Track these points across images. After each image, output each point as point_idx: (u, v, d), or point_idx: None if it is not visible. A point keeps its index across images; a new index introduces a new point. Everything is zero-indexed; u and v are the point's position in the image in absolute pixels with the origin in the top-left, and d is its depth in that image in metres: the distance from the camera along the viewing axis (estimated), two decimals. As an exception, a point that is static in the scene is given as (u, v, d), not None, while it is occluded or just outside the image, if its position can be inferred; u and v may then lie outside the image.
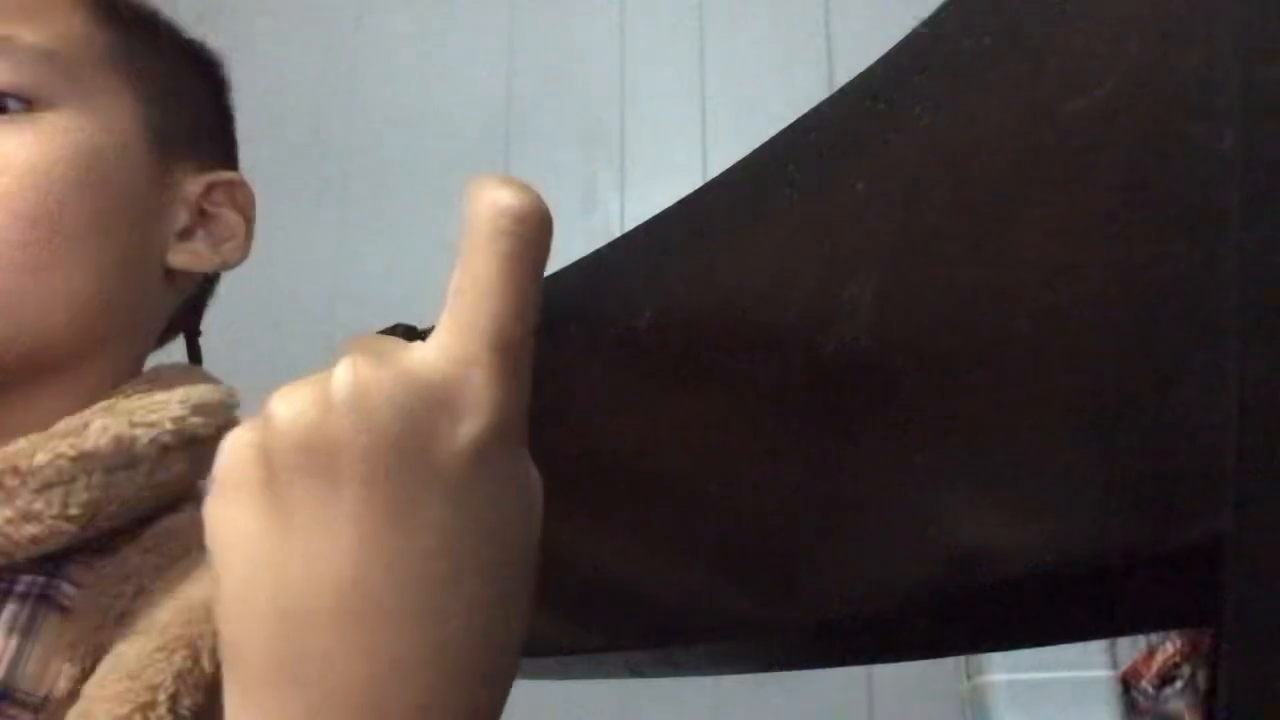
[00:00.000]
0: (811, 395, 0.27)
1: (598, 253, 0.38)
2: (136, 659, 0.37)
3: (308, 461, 0.24)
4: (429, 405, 0.25)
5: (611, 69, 1.63)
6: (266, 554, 0.25)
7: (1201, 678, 1.13)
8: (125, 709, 0.36)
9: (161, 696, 0.36)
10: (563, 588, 0.36)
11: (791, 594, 0.28)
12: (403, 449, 0.24)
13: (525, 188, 0.26)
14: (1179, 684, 1.17)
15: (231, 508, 0.26)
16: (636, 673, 0.36)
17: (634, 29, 1.64)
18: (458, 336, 0.26)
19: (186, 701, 0.37)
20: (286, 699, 0.24)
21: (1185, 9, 0.20)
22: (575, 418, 0.36)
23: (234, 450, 0.26)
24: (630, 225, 0.36)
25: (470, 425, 0.25)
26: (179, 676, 0.37)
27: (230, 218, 0.52)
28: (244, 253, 0.53)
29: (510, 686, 0.27)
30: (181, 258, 0.50)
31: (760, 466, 0.29)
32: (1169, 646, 1.17)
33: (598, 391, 0.35)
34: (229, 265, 0.53)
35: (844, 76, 0.29)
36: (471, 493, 0.25)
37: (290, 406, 0.25)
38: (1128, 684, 1.20)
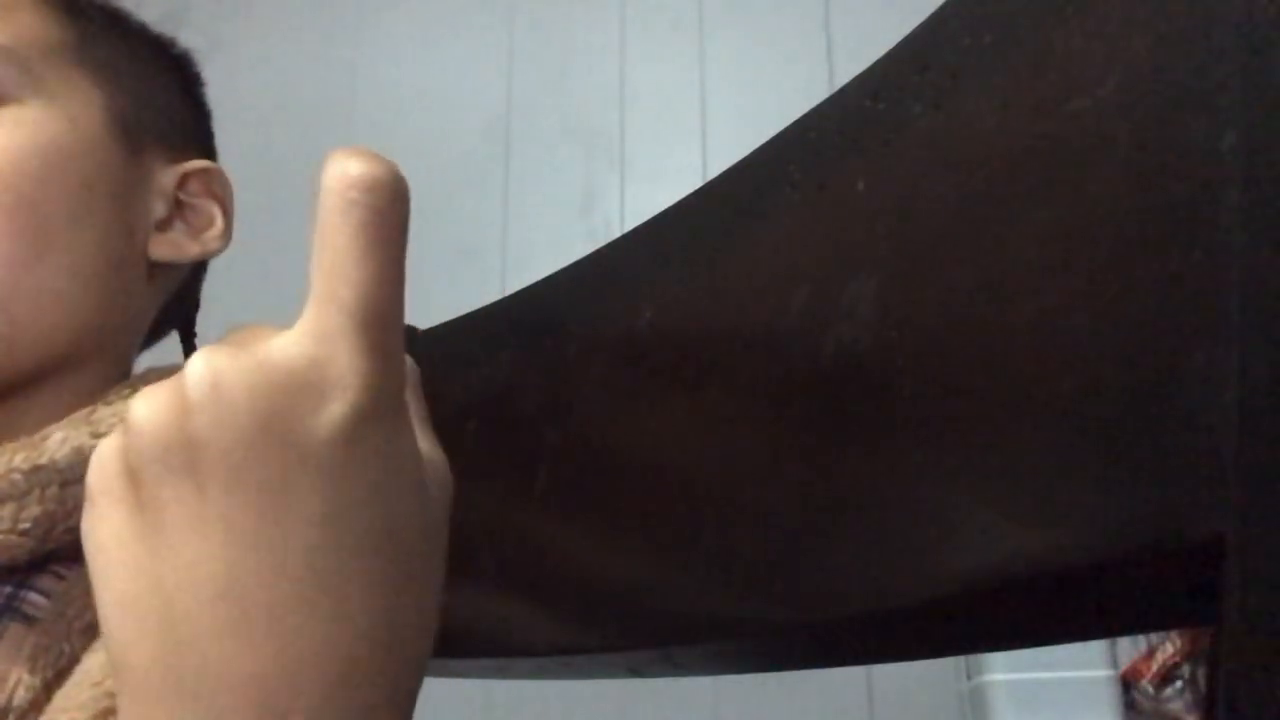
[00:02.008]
0: (811, 395, 0.27)
1: (598, 253, 0.38)
2: (100, 668, 0.37)
3: (170, 462, 0.23)
4: (290, 389, 0.23)
5: (611, 69, 1.63)
6: (141, 561, 0.24)
7: (1201, 678, 1.13)
8: (85, 715, 0.36)
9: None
10: (563, 587, 0.36)
11: (792, 594, 0.28)
12: (266, 438, 0.23)
13: (376, 157, 0.25)
14: (1179, 684, 1.17)
15: (102, 518, 0.25)
16: (636, 673, 0.36)
17: (634, 29, 1.64)
18: (317, 314, 0.24)
19: None
20: (177, 710, 0.23)
21: (1185, 9, 0.20)
22: (575, 418, 0.36)
23: (98, 459, 0.25)
24: (630, 225, 0.36)
25: (338, 405, 0.23)
26: None
27: (208, 206, 0.51)
28: (225, 241, 0.52)
29: (421, 676, 0.26)
30: (162, 249, 0.49)
31: (760, 466, 0.29)
32: (1169, 646, 1.17)
33: (598, 391, 0.35)
34: (210, 254, 0.52)
35: (844, 76, 0.29)
36: (347, 477, 0.24)
37: (147, 407, 0.24)
38: (1128, 684, 1.20)
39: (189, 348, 0.57)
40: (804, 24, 1.57)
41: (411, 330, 0.49)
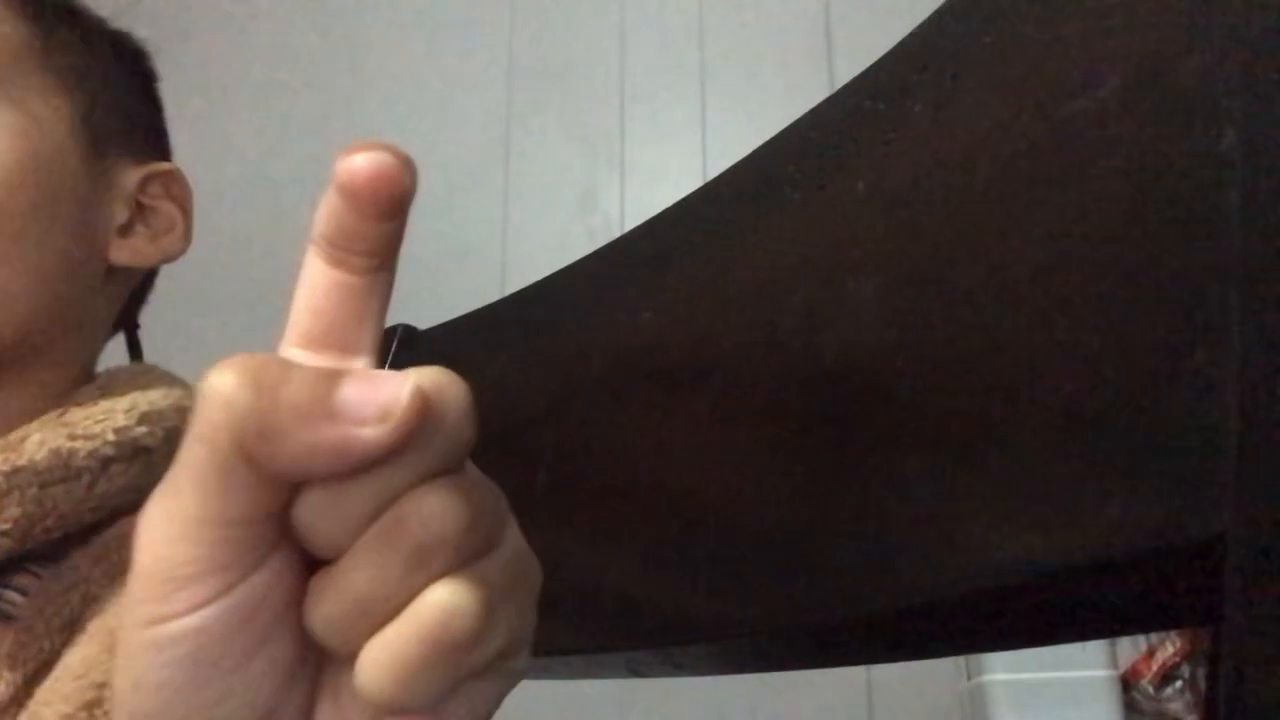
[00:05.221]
0: (811, 395, 0.27)
1: (598, 253, 0.38)
2: (83, 662, 0.38)
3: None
4: None
5: (611, 69, 1.63)
6: None
7: (1201, 678, 1.13)
8: (70, 707, 0.36)
9: (107, 693, 0.37)
10: (562, 587, 0.36)
11: (792, 594, 0.28)
12: None
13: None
14: (1179, 684, 1.17)
15: None
16: (636, 673, 0.36)
17: (634, 29, 1.64)
18: None
19: None
20: None
21: (1185, 9, 0.20)
22: (575, 417, 0.36)
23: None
24: (630, 225, 0.36)
25: None
26: None
27: (168, 209, 0.51)
28: (184, 245, 0.51)
29: None
30: (122, 254, 0.49)
31: (760, 465, 0.29)
32: (1169, 646, 1.18)
33: (597, 391, 0.35)
34: (170, 258, 0.51)
35: (844, 76, 0.29)
36: None
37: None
38: (1128, 684, 1.20)
39: (133, 343, 0.56)
40: (804, 24, 1.57)
41: (411, 330, 0.49)
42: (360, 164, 0.21)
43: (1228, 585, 0.17)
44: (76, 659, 0.38)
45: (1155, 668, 1.19)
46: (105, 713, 0.37)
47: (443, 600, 0.20)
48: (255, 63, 1.68)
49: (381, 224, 0.23)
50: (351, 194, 0.22)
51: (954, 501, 0.23)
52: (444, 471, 0.21)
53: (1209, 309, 0.18)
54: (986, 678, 1.19)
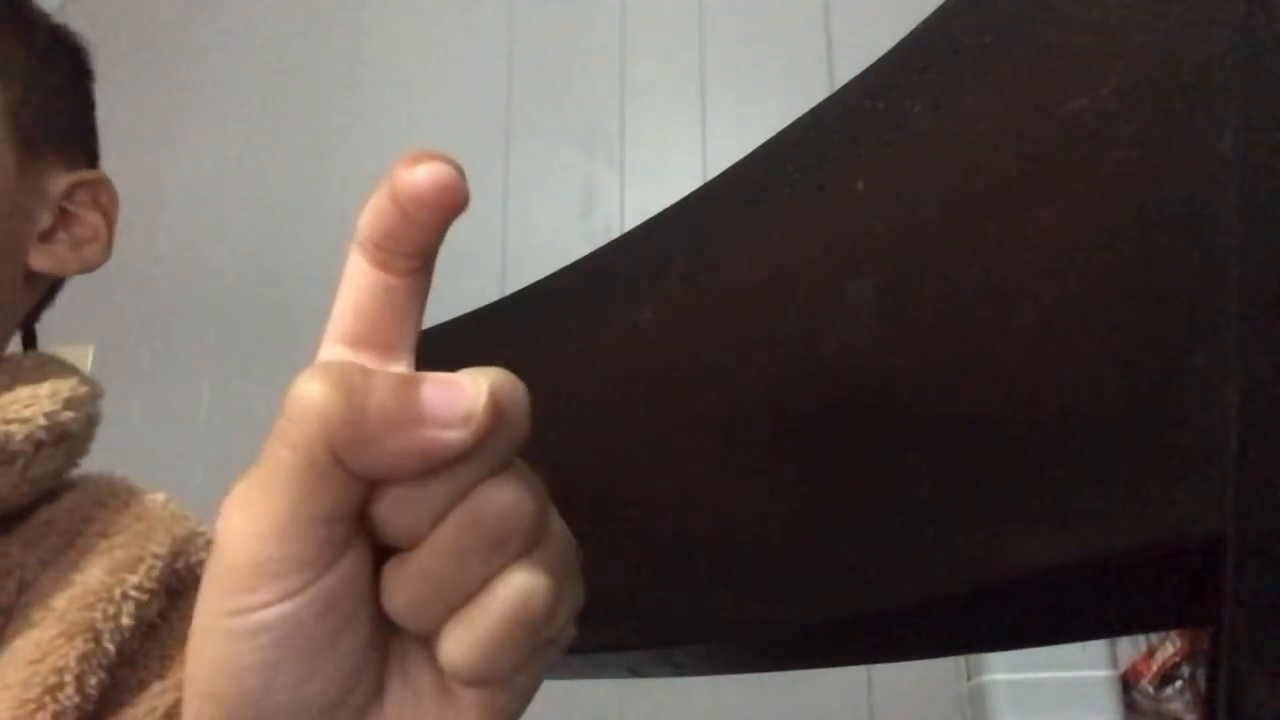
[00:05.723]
0: (811, 395, 0.27)
1: (598, 252, 0.38)
2: (37, 647, 0.38)
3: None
4: None
5: (611, 69, 1.63)
6: None
7: (1201, 678, 1.13)
8: (33, 693, 0.37)
9: (68, 678, 0.37)
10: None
11: (791, 594, 0.28)
12: None
13: None
14: (1179, 684, 1.17)
15: None
16: (636, 673, 0.36)
17: (634, 29, 1.64)
18: None
19: (92, 681, 0.38)
20: None
21: (1185, 9, 0.20)
22: (575, 417, 0.36)
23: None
24: (630, 226, 0.36)
25: None
26: (83, 659, 0.38)
27: (92, 219, 0.50)
28: (105, 256, 0.51)
29: None
30: (43, 261, 0.48)
31: (759, 464, 0.29)
32: (1169, 646, 1.18)
33: (598, 391, 0.35)
34: (89, 269, 0.50)
35: (844, 76, 0.29)
36: None
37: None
38: (1128, 684, 1.20)
39: (29, 336, 0.56)
40: (804, 24, 1.57)
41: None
42: (423, 175, 0.22)
43: (1227, 585, 0.17)
44: (28, 644, 0.39)
45: (1155, 668, 1.19)
46: (68, 696, 0.37)
47: (521, 584, 0.22)
48: (253, 63, 1.68)
49: (432, 231, 0.23)
50: (413, 203, 0.22)
51: (954, 501, 0.23)
52: (508, 465, 0.22)
53: (1209, 309, 0.18)
54: (986, 678, 1.19)
